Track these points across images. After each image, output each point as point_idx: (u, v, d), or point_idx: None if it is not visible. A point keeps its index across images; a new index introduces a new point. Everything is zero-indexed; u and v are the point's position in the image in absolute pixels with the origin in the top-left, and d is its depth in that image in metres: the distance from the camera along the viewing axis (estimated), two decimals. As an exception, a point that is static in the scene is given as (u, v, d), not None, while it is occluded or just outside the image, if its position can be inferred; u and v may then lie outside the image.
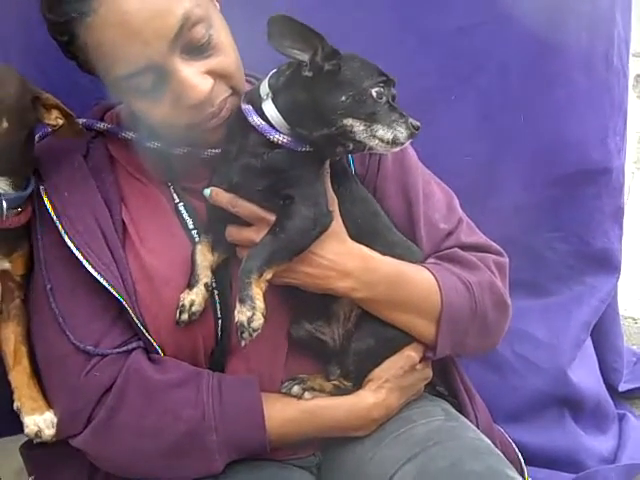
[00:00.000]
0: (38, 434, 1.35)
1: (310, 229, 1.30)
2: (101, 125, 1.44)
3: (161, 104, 1.30)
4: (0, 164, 1.32)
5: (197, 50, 1.28)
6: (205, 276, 1.35)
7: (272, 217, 1.31)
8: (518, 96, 1.93)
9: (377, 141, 1.26)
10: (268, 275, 1.26)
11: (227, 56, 1.31)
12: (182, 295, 1.34)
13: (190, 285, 1.34)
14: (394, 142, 1.26)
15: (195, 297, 1.33)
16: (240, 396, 1.33)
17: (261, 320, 1.23)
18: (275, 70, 1.34)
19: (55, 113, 1.36)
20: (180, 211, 1.41)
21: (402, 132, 1.26)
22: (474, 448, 1.34)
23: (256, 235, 1.31)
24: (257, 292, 1.24)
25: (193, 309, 1.33)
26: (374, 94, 1.26)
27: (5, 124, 1.29)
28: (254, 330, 1.23)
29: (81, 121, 1.44)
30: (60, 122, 1.36)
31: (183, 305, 1.33)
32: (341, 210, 1.37)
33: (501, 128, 1.94)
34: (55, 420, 1.35)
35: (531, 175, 2.00)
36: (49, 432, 1.35)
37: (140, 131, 1.43)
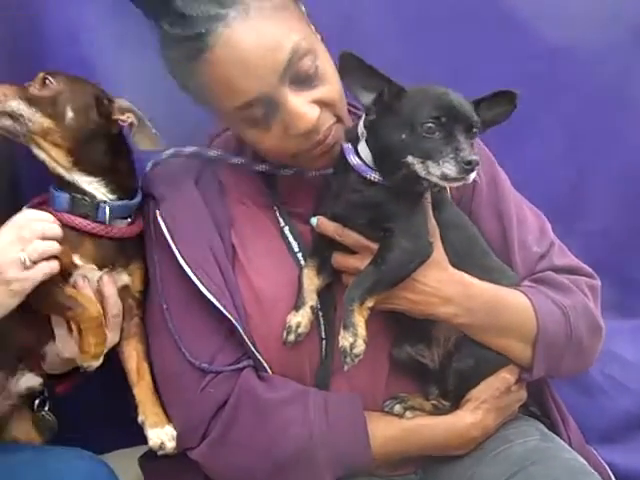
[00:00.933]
0: (161, 446, 1.44)
1: (409, 261, 1.36)
2: (211, 153, 1.53)
3: (271, 133, 1.38)
4: (86, 162, 1.45)
5: (304, 81, 1.35)
6: (311, 299, 1.42)
7: (376, 246, 1.37)
8: (604, 119, 1.96)
9: (434, 177, 1.27)
10: (370, 303, 1.33)
11: (332, 85, 1.39)
12: (289, 317, 1.41)
13: (297, 307, 1.42)
14: (446, 178, 1.26)
15: (301, 319, 1.41)
16: (345, 414, 1.39)
17: (362, 347, 1.30)
18: None
19: (127, 114, 1.47)
20: (285, 234, 1.49)
21: (450, 168, 1.25)
22: (570, 468, 1.38)
23: (361, 263, 1.38)
24: (359, 319, 1.31)
25: (299, 330, 1.40)
26: (425, 130, 1.27)
27: (70, 113, 1.43)
28: (356, 356, 1.29)
29: (192, 149, 1.54)
30: (130, 119, 1.46)
31: (290, 326, 1.41)
32: (441, 236, 1.42)
33: (588, 151, 1.97)
34: (175, 433, 1.45)
35: (618, 197, 2.02)
36: (171, 445, 1.44)
37: (248, 156, 1.52)
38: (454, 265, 1.44)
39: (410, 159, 1.29)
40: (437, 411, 1.47)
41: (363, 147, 1.38)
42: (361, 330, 1.30)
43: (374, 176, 1.36)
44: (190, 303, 1.43)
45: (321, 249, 1.45)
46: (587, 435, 1.69)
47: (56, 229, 1.39)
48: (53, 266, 1.37)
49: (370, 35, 1.78)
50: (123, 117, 1.47)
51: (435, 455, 1.47)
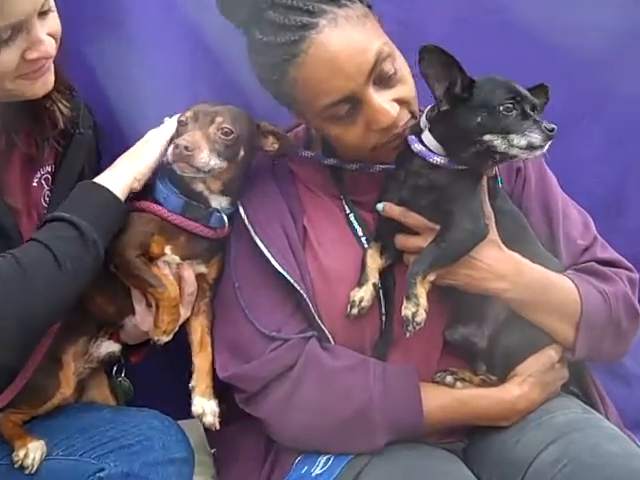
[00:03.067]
0: (201, 416, 1.57)
1: (468, 240, 1.51)
2: None
3: (354, 128, 1.52)
4: (232, 187, 1.60)
5: (385, 81, 1.50)
6: (373, 277, 1.56)
7: (437, 227, 1.51)
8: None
9: (516, 149, 1.44)
10: (431, 277, 1.47)
11: (408, 85, 1.54)
12: (352, 292, 1.55)
13: (360, 284, 1.55)
14: (531, 147, 1.43)
15: (364, 294, 1.54)
16: (401, 383, 1.52)
17: (423, 315, 1.44)
18: (430, 106, 1.55)
19: (271, 139, 1.61)
20: (351, 221, 1.64)
21: (537, 136, 1.42)
22: (611, 435, 1.49)
23: (423, 242, 1.52)
24: (421, 291, 1.45)
25: (362, 304, 1.54)
26: (503, 110, 1.44)
27: (242, 153, 1.57)
28: (417, 324, 1.43)
29: None
30: (275, 147, 1.62)
31: (353, 301, 1.54)
32: (495, 221, 1.56)
33: (629, 152, 2.07)
34: (217, 410, 1.57)
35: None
36: (209, 419, 1.57)
37: (319, 150, 1.67)
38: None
39: (488, 137, 1.44)
40: (485, 385, 1.59)
41: (427, 136, 1.53)
42: (423, 301, 1.44)
43: (438, 160, 1.51)
44: (261, 279, 1.58)
45: (384, 233, 1.59)
46: (626, 426, 1.78)
47: None
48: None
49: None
50: (271, 148, 1.61)
51: (482, 425, 1.58)
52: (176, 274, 1.60)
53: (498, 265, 1.53)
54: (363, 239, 1.62)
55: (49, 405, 1.59)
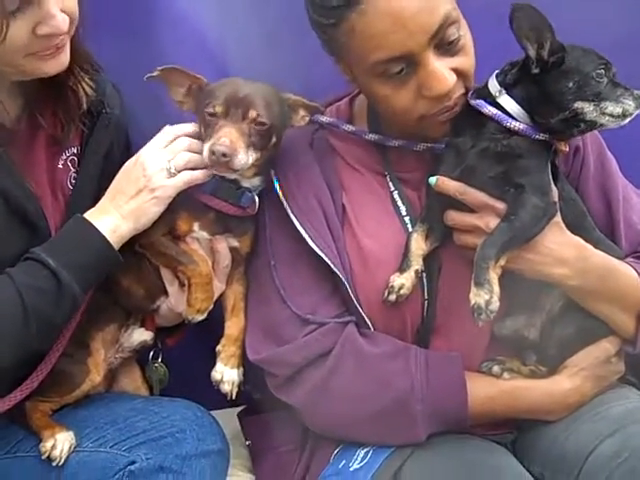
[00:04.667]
0: (219, 382, 1.52)
1: (541, 217, 1.40)
2: (324, 119, 1.58)
3: (404, 91, 1.41)
4: (264, 169, 1.52)
5: (447, 48, 1.40)
6: (417, 263, 1.45)
7: (498, 205, 1.40)
8: None
9: (607, 117, 1.38)
10: (503, 261, 1.36)
11: (469, 58, 1.44)
12: (392, 277, 1.45)
13: (401, 269, 1.45)
14: (624, 115, 1.38)
15: (405, 281, 1.45)
16: (445, 371, 1.43)
17: (497, 303, 1.32)
18: (499, 71, 1.45)
19: (301, 112, 1.53)
20: (395, 199, 1.54)
21: (630, 104, 1.38)
22: None
23: (479, 221, 1.41)
24: (494, 277, 1.34)
25: (401, 292, 1.44)
26: (596, 76, 1.38)
27: (274, 139, 1.48)
28: (491, 312, 1.32)
29: None
30: (307, 120, 1.53)
31: (392, 287, 1.45)
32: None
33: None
34: (236, 380, 1.53)
35: None
36: (226, 387, 1.52)
37: (363, 125, 1.57)
38: None
39: (580, 104, 1.38)
40: (534, 376, 1.49)
41: (507, 100, 1.42)
42: (496, 287, 1.33)
43: (516, 124, 1.41)
44: (297, 259, 1.50)
45: (432, 214, 1.48)
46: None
47: (199, 144, 1.48)
48: (195, 175, 1.48)
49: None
50: (302, 122, 1.54)
51: (529, 419, 1.49)
52: (207, 249, 1.54)
53: (561, 249, 1.42)
54: (407, 219, 1.52)
55: (78, 393, 1.54)
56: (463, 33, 1.42)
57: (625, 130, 1.44)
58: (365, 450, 1.45)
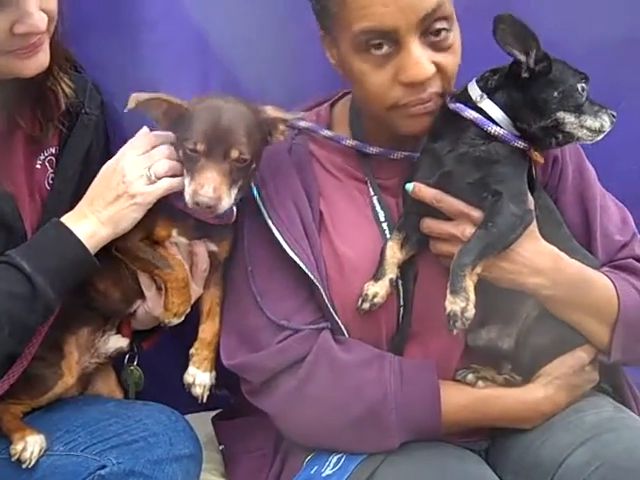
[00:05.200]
0: (191, 385, 1.52)
1: (518, 225, 1.39)
2: (303, 124, 1.58)
3: (382, 72, 1.40)
4: (243, 189, 1.47)
5: (433, 40, 1.39)
6: (392, 272, 1.45)
7: (475, 213, 1.40)
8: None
9: (585, 131, 1.40)
10: (479, 269, 1.36)
11: (453, 58, 1.43)
12: (366, 285, 1.45)
13: (376, 278, 1.45)
14: (600, 130, 1.40)
15: (379, 290, 1.44)
16: (419, 380, 1.42)
17: (473, 311, 1.32)
18: (480, 76, 1.46)
19: (280, 127, 1.50)
20: (374, 204, 1.53)
21: (606, 120, 1.41)
22: None
23: (456, 229, 1.41)
24: (470, 284, 1.33)
25: (375, 300, 1.44)
26: (579, 89, 1.40)
27: (254, 165, 1.46)
28: (467, 319, 1.32)
29: None
30: (285, 135, 1.51)
31: (366, 295, 1.44)
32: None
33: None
34: (208, 384, 1.52)
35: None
36: (197, 390, 1.52)
37: (341, 129, 1.57)
38: None
39: (562, 114, 1.39)
40: (508, 385, 1.49)
41: (489, 105, 1.43)
42: (472, 295, 1.33)
43: (496, 129, 1.41)
44: (274, 265, 1.49)
45: (409, 221, 1.48)
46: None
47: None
48: (175, 183, 1.46)
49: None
50: (281, 138, 1.51)
51: (503, 427, 1.49)
52: (186, 252, 1.53)
53: (536, 259, 1.42)
54: (384, 225, 1.51)
55: (50, 395, 1.53)
56: (452, 32, 1.41)
57: (604, 141, 1.45)
58: (338, 456, 1.44)
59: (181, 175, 1.46)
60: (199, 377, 1.53)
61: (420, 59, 1.37)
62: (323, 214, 1.52)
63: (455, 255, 1.36)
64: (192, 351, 1.55)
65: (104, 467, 1.40)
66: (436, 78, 1.41)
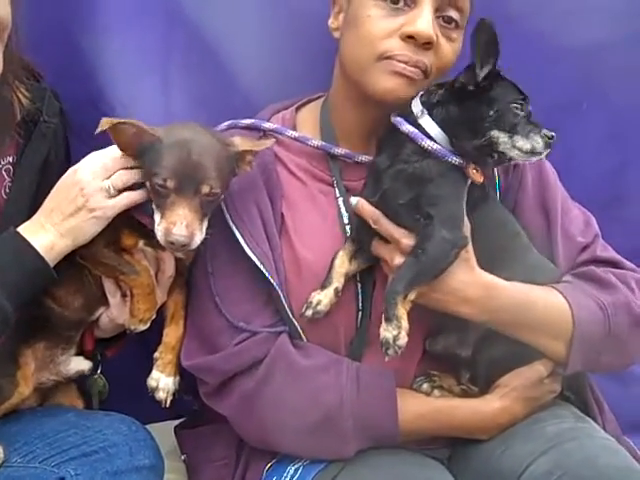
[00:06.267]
0: (152, 390, 1.52)
1: (449, 251, 1.38)
2: (267, 125, 1.57)
3: (389, 21, 1.44)
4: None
5: (441, 26, 1.46)
6: (338, 281, 1.45)
7: (405, 240, 1.40)
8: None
9: (517, 151, 1.38)
10: (412, 296, 1.36)
11: (452, 50, 1.48)
12: (312, 293, 1.45)
13: (323, 286, 1.45)
14: (532, 152, 1.38)
15: (323, 298, 1.44)
16: (377, 386, 1.42)
17: (405, 339, 1.33)
18: (424, 91, 1.45)
19: (248, 158, 1.47)
20: (339, 206, 1.52)
21: (538, 142, 1.38)
22: (607, 446, 1.39)
23: (388, 255, 1.42)
24: (402, 312, 1.34)
25: (318, 308, 1.44)
26: (513, 109, 1.39)
27: (223, 196, 1.45)
28: (399, 347, 1.33)
29: (248, 121, 1.57)
30: (253, 164, 1.49)
31: (310, 302, 1.44)
32: (475, 236, 1.43)
33: (630, 141, 1.95)
34: (172, 389, 1.52)
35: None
36: (160, 395, 1.52)
37: (306, 133, 1.57)
38: (492, 262, 1.45)
39: (496, 133, 1.38)
40: (465, 395, 1.49)
41: (427, 120, 1.42)
42: (404, 323, 1.33)
43: (430, 144, 1.41)
44: (234, 267, 1.48)
45: (362, 234, 1.47)
46: (621, 425, 1.69)
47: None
48: (134, 197, 1.44)
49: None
50: (248, 169, 1.49)
51: (461, 437, 1.49)
52: (152, 258, 1.52)
53: (465, 289, 1.41)
54: (348, 227, 1.50)
55: (7, 406, 1.51)
56: (458, 33, 1.48)
57: (563, 136, 1.44)
58: (295, 467, 1.44)
59: (142, 184, 1.44)
60: (162, 381, 1.52)
61: (429, 21, 1.42)
62: (285, 217, 1.51)
63: (388, 282, 1.37)
64: (156, 355, 1.54)
65: (63, 479, 1.38)
66: (430, 53, 1.44)
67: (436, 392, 1.47)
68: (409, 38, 1.42)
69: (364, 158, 1.53)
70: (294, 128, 1.59)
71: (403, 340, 1.32)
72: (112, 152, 1.46)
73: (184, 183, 1.37)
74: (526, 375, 1.48)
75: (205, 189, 1.38)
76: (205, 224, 1.41)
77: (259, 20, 1.76)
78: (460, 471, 1.48)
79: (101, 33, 1.74)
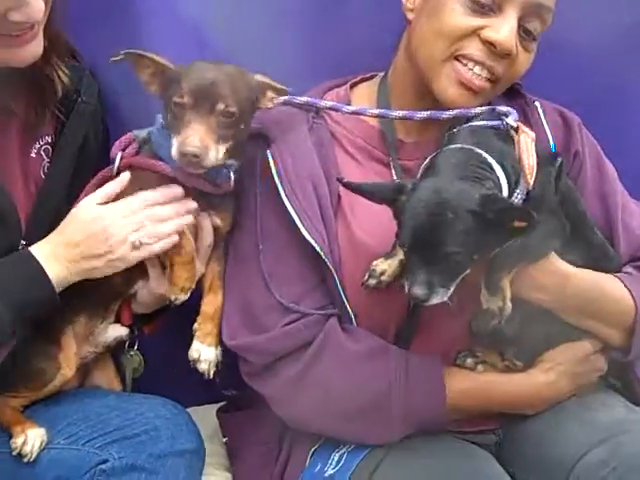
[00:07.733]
0: (194, 361, 1.49)
1: (553, 235, 1.39)
2: (322, 103, 1.54)
3: (470, 18, 1.42)
4: (236, 151, 1.46)
5: (522, 33, 1.44)
6: (403, 253, 1.39)
7: None
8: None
9: None
10: (516, 269, 1.35)
11: (527, 60, 1.48)
12: (376, 262, 1.41)
13: (387, 256, 1.41)
14: None
15: (387, 268, 1.41)
16: (425, 373, 1.40)
17: (510, 308, 1.33)
18: None
19: (269, 94, 1.47)
20: None
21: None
22: None
23: None
24: (506, 284, 1.34)
25: (382, 278, 1.41)
26: None
27: (242, 125, 1.44)
28: (504, 317, 1.33)
29: (304, 99, 1.54)
30: (274, 102, 1.48)
31: (374, 270, 1.41)
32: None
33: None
34: (214, 360, 1.49)
35: None
36: (203, 366, 1.48)
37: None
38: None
39: None
40: (509, 370, 1.47)
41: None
42: (509, 293, 1.33)
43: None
44: (287, 245, 1.45)
45: None
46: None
47: (173, 209, 1.44)
48: (156, 249, 1.43)
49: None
50: (270, 104, 1.48)
51: (508, 412, 1.47)
52: (191, 228, 1.49)
53: (542, 276, 1.40)
54: None
55: (50, 388, 1.50)
56: (533, 46, 1.47)
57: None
58: (339, 453, 1.42)
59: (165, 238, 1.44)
60: (204, 352, 1.49)
61: (512, 31, 1.41)
62: (341, 197, 1.48)
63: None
64: (195, 326, 1.51)
65: (106, 461, 1.37)
66: (505, 62, 1.43)
67: (480, 367, 1.45)
68: (489, 43, 1.40)
69: (424, 114, 1.48)
70: (349, 104, 1.56)
71: (509, 310, 1.34)
72: (144, 198, 1.45)
73: (199, 100, 1.38)
74: (572, 351, 1.46)
75: (220, 106, 1.39)
76: (223, 148, 1.40)
77: (259, 19, 1.74)
78: (510, 457, 1.46)
79: (138, 16, 1.72)
